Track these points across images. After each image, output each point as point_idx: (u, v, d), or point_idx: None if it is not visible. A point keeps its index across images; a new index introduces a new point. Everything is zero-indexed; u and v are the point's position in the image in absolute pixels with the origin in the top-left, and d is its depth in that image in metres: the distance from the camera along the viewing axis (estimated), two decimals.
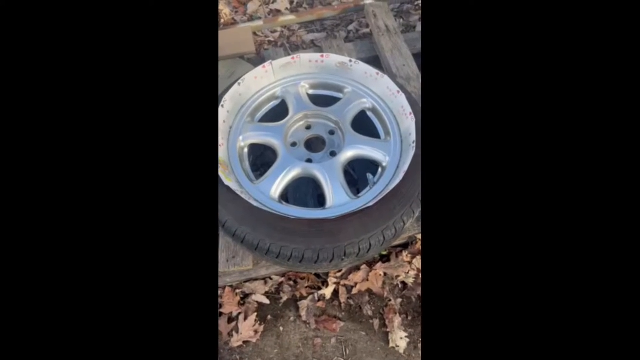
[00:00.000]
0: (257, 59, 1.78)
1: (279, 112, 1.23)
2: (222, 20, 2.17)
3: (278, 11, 2.19)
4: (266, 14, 2.18)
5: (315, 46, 2.01)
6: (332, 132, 1.18)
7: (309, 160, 1.11)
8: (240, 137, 1.13)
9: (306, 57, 1.20)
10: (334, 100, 1.24)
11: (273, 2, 2.26)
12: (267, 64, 1.18)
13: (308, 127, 1.19)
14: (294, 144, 1.15)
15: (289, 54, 1.91)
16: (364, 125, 1.18)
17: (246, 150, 1.14)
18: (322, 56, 1.19)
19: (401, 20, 2.08)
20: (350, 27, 2.06)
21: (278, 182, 1.03)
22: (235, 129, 1.14)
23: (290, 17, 1.83)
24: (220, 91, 1.28)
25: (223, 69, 1.63)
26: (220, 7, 2.22)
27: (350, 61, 1.18)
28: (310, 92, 1.26)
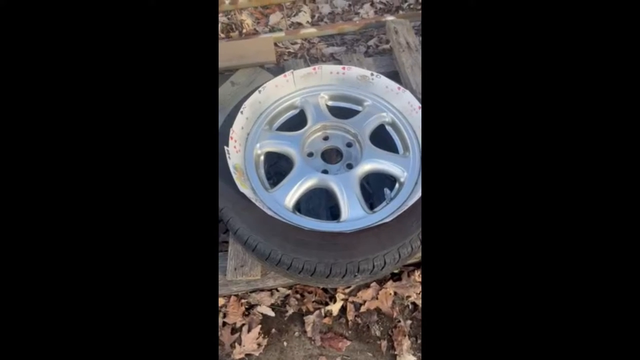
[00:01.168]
0: (277, 69, 1.79)
1: (297, 121, 1.22)
2: (244, 30, 2.20)
3: (299, 24, 2.22)
4: (287, 26, 2.21)
5: (334, 59, 2.02)
6: (349, 145, 1.16)
7: (325, 172, 1.09)
8: (257, 145, 1.12)
9: (327, 69, 1.20)
10: (353, 112, 1.22)
11: (295, 15, 2.29)
12: (288, 73, 1.17)
13: (325, 138, 1.17)
14: (310, 154, 1.14)
15: (309, 66, 1.94)
16: (382, 139, 1.16)
17: (262, 157, 1.13)
18: (343, 68, 1.19)
19: (422, 37, 2.08)
20: (370, 43, 2.06)
21: (293, 191, 1.01)
22: (252, 136, 1.13)
23: (311, 30, 1.85)
24: (239, 98, 1.28)
25: (243, 76, 1.64)
26: (243, 17, 2.26)
27: (372, 74, 1.17)
28: (330, 103, 1.25)
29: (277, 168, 1.26)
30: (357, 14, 2.29)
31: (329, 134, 1.17)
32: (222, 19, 2.27)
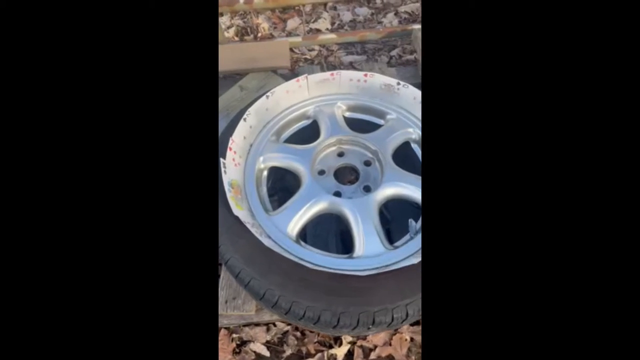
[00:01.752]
0: (291, 75, 1.66)
1: (308, 133, 1.06)
2: (260, 35, 2.09)
3: (318, 30, 2.09)
4: (305, 33, 2.09)
5: (354, 68, 1.87)
6: (368, 163, 0.99)
7: (337, 194, 0.93)
8: (261, 158, 0.96)
9: (347, 75, 1.04)
10: (374, 126, 1.06)
11: (314, 21, 2.17)
12: (301, 77, 1.03)
13: (340, 154, 1.01)
14: (321, 172, 0.97)
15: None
16: (407, 159, 0.99)
17: (265, 173, 0.97)
18: (365, 75, 1.03)
19: None
20: (393, 53, 1.92)
21: (298, 216, 0.85)
22: (256, 148, 0.98)
23: (331, 36, 1.71)
24: (247, 104, 1.14)
25: (253, 81, 1.51)
26: (259, 21, 2.15)
27: (398, 84, 1.01)
28: (347, 114, 1.10)
29: (284, 183, 1.11)
30: (380, 22, 2.15)
31: (344, 150, 1.01)
32: (237, 21, 2.17)
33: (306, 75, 1.01)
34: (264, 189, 0.93)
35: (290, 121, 1.03)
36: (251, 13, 2.12)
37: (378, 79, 1.02)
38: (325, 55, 1.92)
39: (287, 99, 1.03)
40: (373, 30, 1.70)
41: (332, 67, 1.88)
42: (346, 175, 0.99)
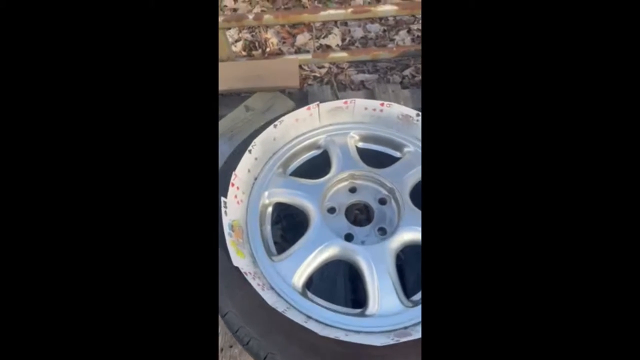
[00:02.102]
0: (300, 95, 1.59)
1: (317, 164, 0.97)
2: (268, 50, 2.03)
3: (328, 47, 2.03)
4: (315, 49, 2.03)
5: (365, 88, 1.80)
6: (383, 201, 0.91)
7: (349, 237, 0.83)
8: (266, 193, 0.88)
9: (362, 104, 0.97)
10: (389, 159, 0.97)
11: (324, 37, 2.11)
12: (313, 105, 0.95)
13: (352, 190, 0.92)
14: (331, 210, 0.88)
15: (335, 93, 1.72)
16: None
17: (270, 209, 0.88)
18: (382, 105, 0.96)
19: None
20: (406, 72, 1.85)
21: (306, 264, 0.76)
22: (261, 181, 0.89)
23: (342, 54, 1.64)
24: (254, 126, 1.06)
25: (260, 101, 1.43)
26: (268, 35, 2.09)
27: (418, 115, 0.94)
28: (360, 144, 1.01)
29: (290, 220, 1.02)
30: (392, 40, 2.09)
31: (357, 186, 0.92)
32: (245, 35, 2.11)
33: (318, 103, 0.93)
34: (268, 227, 0.84)
35: (298, 151, 0.95)
36: (260, 27, 2.06)
37: (395, 109, 0.94)
38: (336, 73, 1.86)
39: (297, 127, 0.95)
40: (386, 49, 1.63)
41: (343, 85, 1.81)
42: (359, 214, 0.91)
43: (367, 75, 1.85)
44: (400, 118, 0.95)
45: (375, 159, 0.94)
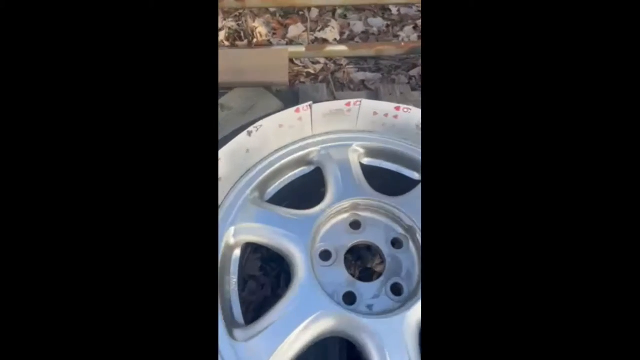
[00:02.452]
0: (289, 93, 1.34)
1: (306, 189, 0.71)
2: (255, 41, 1.78)
3: (325, 41, 1.80)
4: (310, 42, 1.79)
5: (366, 88, 1.56)
6: (397, 244, 0.65)
7: (350, 297, 0.57)
8: (232, 229, 0.61)
9: (370, 107, 0.72)
10: (405, 182, 0.71)
11: (320, 30, 1.87)
12: (303, 107, 0.70)
13: (355, 226, 0.65)
14: (325, 255, 0.61)
15: (333, 93, 1.47)
16: None
17: (237, 253, 0.63)
18: (398, 109, 0.72)
19: None
20: (413, 72, 1.61)
21: (286, 346, 0.51)
22: (226, 212, 0.63)
23: (341, 48, 1.40)
24: (224, 134, 0.82)
25: (239, 99, 1.18)
26: (256, 24, 1.85)
27: None
28: (366, 161, 0.78)
29: (268, 269, 0.75)
30: (396, 36, 1.86)
31: (361, 219, 0.66)
32: (230, 23, 1.86)
33: (310, 103, 0.69)
34: (233, 282, 0.59)
35: (281, 169, 0.69)
36: (247, 15, 1.82)
37: (416, 116, 0.70)
38: (333, 71, 1.61)
39: (280, 136, 0.70)
40: (392, 44, 1.39)
41: (341, 85, 1.57)
42: (364, 262, 0.66)
43: (368, 74, 1.61)
44: (420, 127, 0.72)
45: (386, 182, 0.69)
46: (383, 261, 0.62)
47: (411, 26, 1.92)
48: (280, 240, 0.59)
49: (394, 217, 0.64)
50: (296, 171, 0.72)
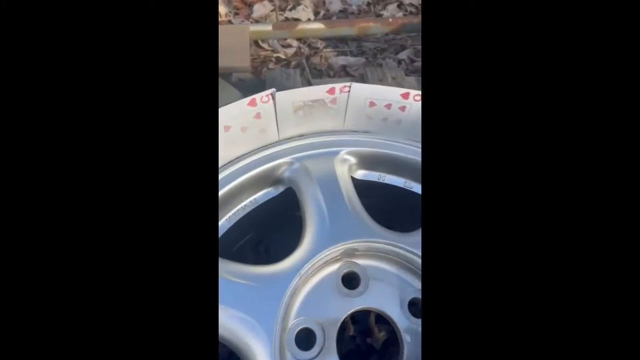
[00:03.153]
0: (253, 82, 1.08)
1: (273, 221, 0.49)
2: None
3: (297, 21, 1.55)
4: (278, 21, 1.54)
5: (348, 75, 1.33)
6: (417, 308, 0.44)
7: None
8: None
9: (364, 93, 0.48)
10: (417, 203, 0.51)
11: (291, 9, 1.61)
12: (262, 97, 0.45)
13: (351, 281, 0.41)
14: (306, 340, 0.36)
15: (309, 80, 1.22)
16: None
17: None
18: (406, 97, 0.49)
19: None
20: (402, 55, 1.39)
21: None
22: None
23: (317, 26, 1.15)
24: None
25: None
26: None
27: None
28: (360, 174, 0.55)
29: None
30: (379, 15, 1.64)
31: (360, 272, 0.42)
32: None
33: (272, 91, 0.44)
34: None
35: (231, 195, 0.44)
36: None
37: None
38: (308, 55, 1.36)
39: (228, 144, 0.45)
40: (378, 21, 1.16)
41: (318, 71, 1.32)
42: (365, 337, 0.43)
43: (350, 59, 1.37)
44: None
45: (394, 208, 0.47)
46: (400, 342, 0.39)
47: (395, 4, 1.70)
48: (228, 327, 0.35)
49: (410, 267, 0.42)
50: (256, 196, 0.47)
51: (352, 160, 0.50)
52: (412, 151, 0.48)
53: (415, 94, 0.46)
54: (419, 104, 0.46)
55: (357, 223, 0.42)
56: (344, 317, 0.39)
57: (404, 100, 0.46)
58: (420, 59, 1.33)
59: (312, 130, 0.48)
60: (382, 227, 0.43)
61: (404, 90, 0.45)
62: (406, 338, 0.38)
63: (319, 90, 0.45)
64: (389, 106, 0.47)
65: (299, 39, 1.32)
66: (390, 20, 1.13)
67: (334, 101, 0.47)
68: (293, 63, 1.28)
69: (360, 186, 0.49)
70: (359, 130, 0.49)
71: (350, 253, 0.41)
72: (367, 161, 0.50)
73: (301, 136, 0.48)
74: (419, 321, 0.39)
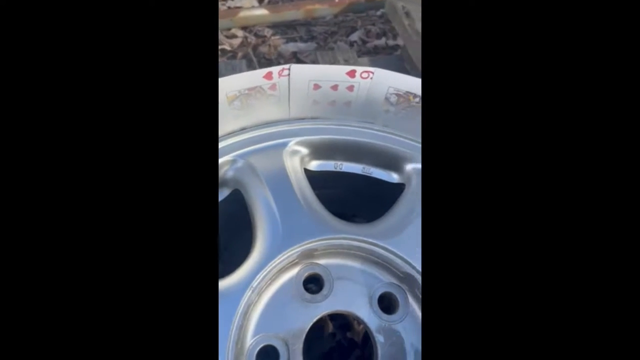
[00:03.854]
0: None
1: (222, 227, 0.44)
2: None
3: (239, 8, 1.46)
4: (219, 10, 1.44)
5: (300, 62, 1.28)
6: (388, 304, 0.38)
7: None
8: None
9: (306, 74, 0.43)
10: (381, 190, 0.45)
11: None
12: None
13: (313, 285, 0.37)
14: (264, 358, 0.33)
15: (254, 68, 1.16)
16: None
17: None
18: (352, 75, 0.44)
19: None
20: (354, 37, 1.35)
21: None
22: None
23: (261, 12, 1.09)
24: None
25: None
26: None
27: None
28: (314, 166, 0.50)
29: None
30: None
31: (323, 273, 0.37)
32: None
33: None
34: None
35: None
36: None
37: (382, 82, 0.43)
38: (255, 44, 1.29)
39: None
40: (324, 2, 1.11)
41: (266, 60, 1.26)
42: (344, 332, 0.39)
43: (300, 45, 1.30)
44: (390, 100, 0.46)
45: (352, 198, 0.43)
46: (369, 342, 0.36)
47: None
48: None
49: (376, 260, 0.38)
50: None
51: (304, 151, 0.45)
52: (366, 134, 0.45)
53: (362, 71, 0.42)
54: (367, 81, 0.42)
55: (314, 220, 0.38)
56: (309, 326, 0.35)
57: (351, 79, 0.42)
58: (370, 39, 1.30)
59: (254, 122, 0.43)
60: (341, 221, 0.39)
61: (350, 68, 0.41)
62: (379, 338, 0.35)
63: (254, 77, 0.40)
64: (335, 87, 0.43)
65: (244, 28, 1.24)
66: (337, 0, 1.09)
67: (273, 87, 0.41)
68: (240, 54, 1.20)
69: (316, 178, 0.44)
70: (307, 117, 0.44)
71: (309, 254, 0.37)
72: (319, 150, 0.46)
73: (242, 130, 0.43)
74: (391, 317, 0.36)
